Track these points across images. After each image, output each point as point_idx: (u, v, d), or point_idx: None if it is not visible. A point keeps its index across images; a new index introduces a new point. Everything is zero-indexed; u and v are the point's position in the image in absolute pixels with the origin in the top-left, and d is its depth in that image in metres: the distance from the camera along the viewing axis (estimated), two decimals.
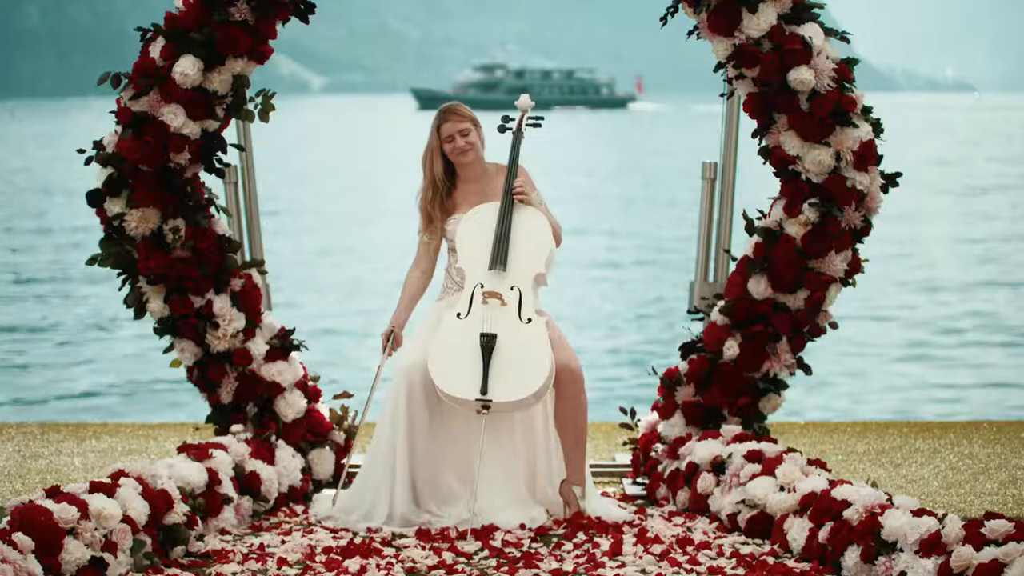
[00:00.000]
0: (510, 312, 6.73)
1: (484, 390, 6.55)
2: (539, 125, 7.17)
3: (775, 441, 6.96)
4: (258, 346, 7.20)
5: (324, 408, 7.47)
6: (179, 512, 6.12)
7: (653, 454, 7.36)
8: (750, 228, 7.13)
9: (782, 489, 6.40)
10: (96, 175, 6.91)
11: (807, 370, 7.22)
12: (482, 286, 6.80)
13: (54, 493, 5.69)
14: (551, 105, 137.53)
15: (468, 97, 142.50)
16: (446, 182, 7.03)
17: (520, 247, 6.86)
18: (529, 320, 6.72)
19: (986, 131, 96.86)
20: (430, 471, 6.73)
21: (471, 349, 6.63)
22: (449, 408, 6.72)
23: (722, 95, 7.35)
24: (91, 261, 7.01)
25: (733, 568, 5.96)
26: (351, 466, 7.12)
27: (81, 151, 6.93)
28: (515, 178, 6.97)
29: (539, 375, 6.61)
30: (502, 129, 7.15)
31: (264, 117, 7.00)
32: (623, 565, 5.99)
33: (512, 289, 6.78)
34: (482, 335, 6.64)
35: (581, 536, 6.42)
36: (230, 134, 7.11)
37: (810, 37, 6.79)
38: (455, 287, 6.99)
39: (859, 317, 22.68)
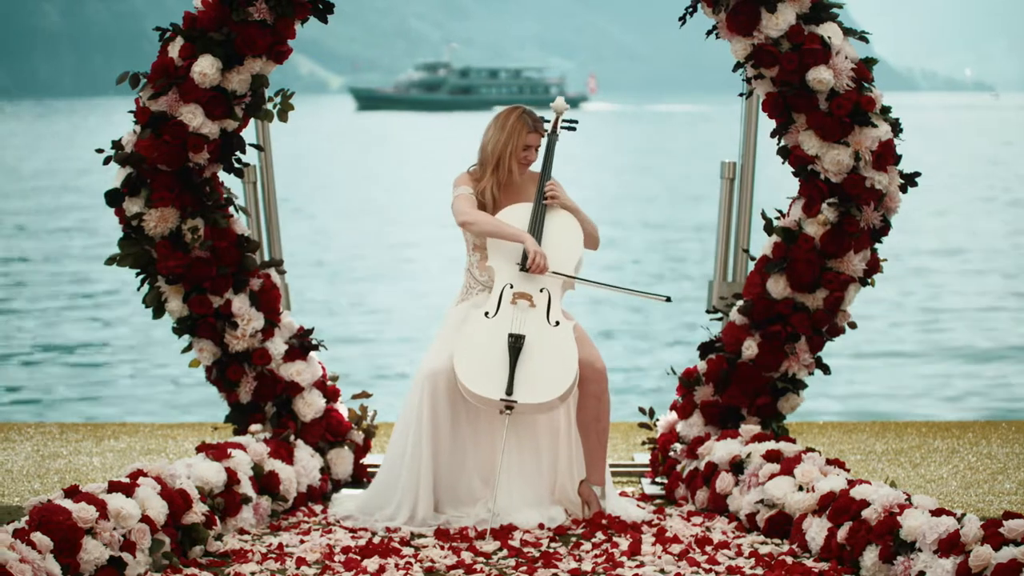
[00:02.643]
0: (538, 314, 6.71)
1: (510, 390, 6.53)
2: (574, 128, 7.07)
3: (794, 441, 6.95)
4: (277, 346, 7.21)
5: (343, 408, 7.48)
6: (198, 512, 6.13)
7: (672, 454, 7.35)
8: (769, 228, 7.12)
9: (801, 489, 6.39)
10: (115, 175, 6.93)
11: (826, 370, 7.22)
12: (511, 286, 6.78)
13: (73, 493, 5.70)
14: (492, 105, 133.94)
15: (410, 97, 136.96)
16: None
17: (551, 250, 6.81)
18: (557, 323, 6.70)
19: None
20: (453, 475, 6.72)
21: (498, 349, 6.60)
22: (474, 411, 6.71)
23: (741, 95, 7.35)
24: (110, 261, 7.02)
25: (752, 568, 5.95)
26: (369, 466, 7.11)
27: (100, 151, 6.95)
28: (548, 180, 6.95)
29: (565, 379, 6.60)
30: None
31: (283, 117, 7.01)
32: (642, 565, 5.98)
33: (542, 291, 6.76)
34: (510, 335, 6.62)
35: (600, 536, 6.41)
36: (249, 134, 7.12)
37: (829, 37, 6.78)
38: (478, 287, 6.96)
39: None
